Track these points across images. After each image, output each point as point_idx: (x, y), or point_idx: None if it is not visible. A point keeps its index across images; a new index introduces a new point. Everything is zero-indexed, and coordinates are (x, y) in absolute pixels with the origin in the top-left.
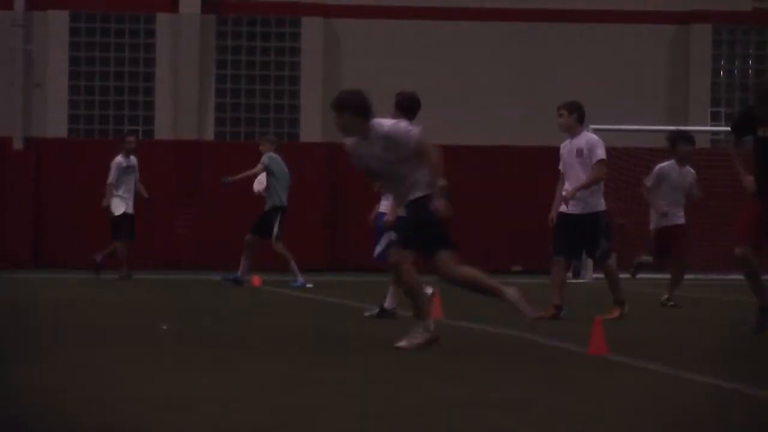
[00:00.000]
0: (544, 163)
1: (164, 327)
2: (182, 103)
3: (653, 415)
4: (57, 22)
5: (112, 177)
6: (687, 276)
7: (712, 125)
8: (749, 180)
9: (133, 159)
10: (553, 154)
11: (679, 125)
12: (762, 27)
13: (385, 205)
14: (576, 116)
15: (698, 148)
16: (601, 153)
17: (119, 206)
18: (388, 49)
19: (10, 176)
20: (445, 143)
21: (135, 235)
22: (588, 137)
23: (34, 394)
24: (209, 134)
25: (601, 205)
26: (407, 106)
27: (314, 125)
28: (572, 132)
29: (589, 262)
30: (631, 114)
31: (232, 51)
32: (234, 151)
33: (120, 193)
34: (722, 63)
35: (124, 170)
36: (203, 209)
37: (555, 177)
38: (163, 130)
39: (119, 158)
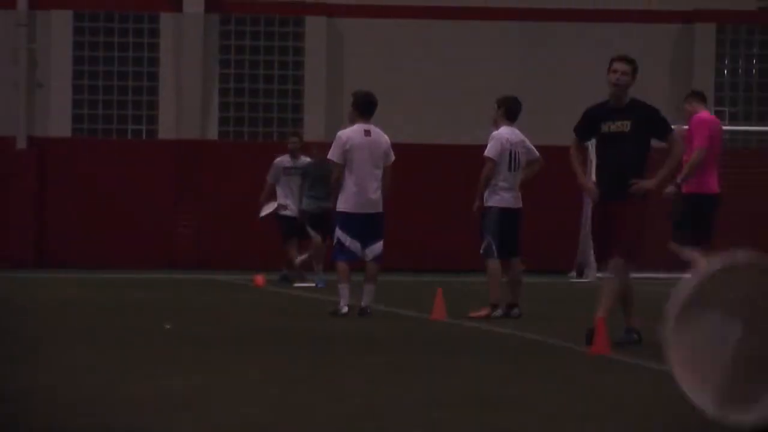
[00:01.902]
0: (548, 161)
1: (167, 327)
2: (186, 103)
3: (655, 414)
4: (60, 21)
5: (270, 176)
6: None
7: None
8: (590, 187)
9: (301, 160)
10: (556, 152)
11: (682, 125)
12: (766, 26)
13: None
14: (502, 111)
15: None
16: (487, 149)
17: (266, 209)
18: (392, 49)
19: (13, 176)
20: (449, 142)
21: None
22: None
23: (33, 394)
24: (213, 134)
25: (493, 200)
26: (362, 106)
27: (318, 125)
28: (497, 126)
29: (592, 262)
30: None
31: (236, 50)
32: (237, 150)
33: (279, 194)
34: (726, 62)
35: (285, 170)
36: (206, 209)
37: (555, 176)
38: (166, 130)
39: (281, 158)
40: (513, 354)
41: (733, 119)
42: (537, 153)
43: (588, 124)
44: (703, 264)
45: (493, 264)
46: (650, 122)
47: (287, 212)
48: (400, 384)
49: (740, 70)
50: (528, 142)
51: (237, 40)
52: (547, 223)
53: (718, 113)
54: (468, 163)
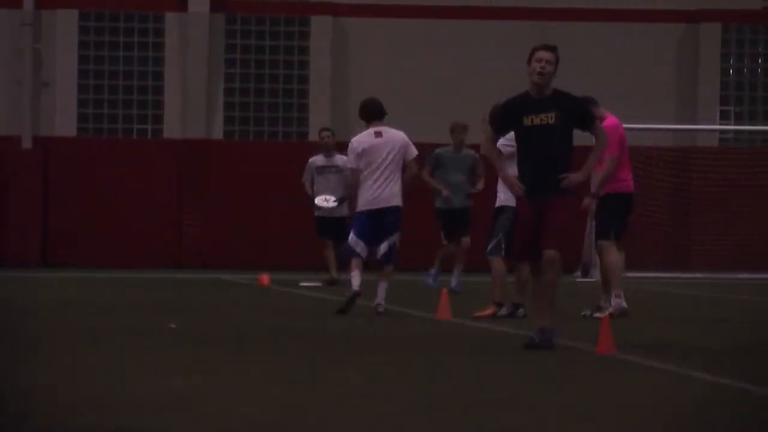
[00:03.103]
0: None
1: (172, 326)
2: (191, 102)
3: (661, 414)
4: (66, 21)
5: (303, 176)
6: (695, 275)
7: (721, 124)
8: (515, 181)
9: (331, 158)
10: None
11: (687, 124)
12: None
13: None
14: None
15: (707, 147)
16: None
17: (317, 207)
18: (397, 48)
19: (19, 175)
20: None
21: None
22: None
23: (35, 394)
24: (218, 133)
25: (510, 200)
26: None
27: (323, 124)
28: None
29: (597, 261)
30: (639, 113)
31: (241, 50)
32: (243, 150)
33: (317, 193)
34: (731, 62)
35: (318, 169)
36: (211, 208)
37: None
38: (171, 129)
39: (315, 157)
40: (517, 354)
41: (738, 118)
42: None
43: (508, 118)
44: (616, 258)
45: (498, 263)
46: (575, 113)
47: (321, 212)
48: (403, 384)
49: (745, 70)
50: None
51: (242, 40)
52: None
53: (723, 113)
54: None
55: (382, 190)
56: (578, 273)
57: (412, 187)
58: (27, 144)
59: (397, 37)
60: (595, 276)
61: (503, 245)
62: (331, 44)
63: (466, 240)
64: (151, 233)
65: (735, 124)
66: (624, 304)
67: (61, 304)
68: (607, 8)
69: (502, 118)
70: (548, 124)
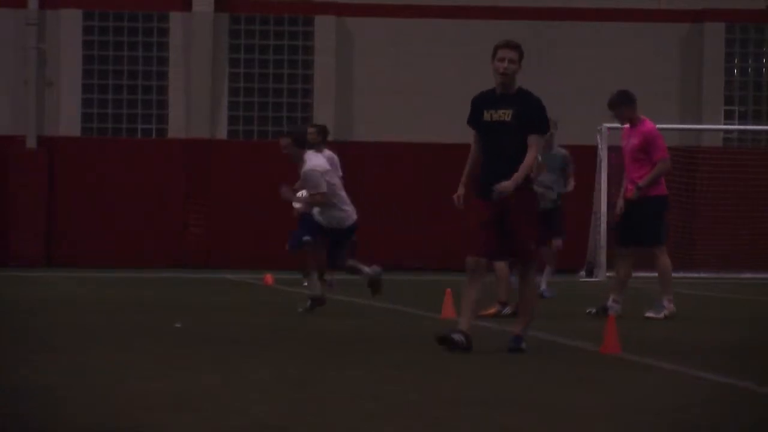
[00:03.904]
0: None
1: (178, 325)
2: (195, 102)
3: (665, 413)
4: (70, 20)
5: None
6: (700, 275)
7: (725, 124)
8: (458, 194)
9: (325, 154)
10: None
11: (691, 124)
12: None
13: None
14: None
15: (711, 147)
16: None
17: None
18: (401, 48)
19: (24, 175)
20: (457, 141)
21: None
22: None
23: (35, 394)
24: (222, 133)
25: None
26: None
27: (327, 124)
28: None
29: (603, 261)
30: (643, 113)
31: (245, 49)
32: (247, 150)
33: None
34: (735, 61)
35: None
36: (215, 208)
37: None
38: (176, 129)
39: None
40: (519, 353)
41: (743, 118)
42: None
43: (473, 111)
44: (669, 263)
45: (501, 263)
46: (530, 115)
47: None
48: (407, 383)
49: (749, 69)
50: None
51: (246, 39)
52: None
53: (727, 112)
54: None
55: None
56: (582, 272)
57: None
58: (31, 144)
59: (400, 36)
60: (600, 276)
61: None
62: (335, 44)
63: (557, 242)
64: (156, 233)
65: (739, 124)
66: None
67: (65, 303)
68: (611, 8)
69: (471, 114)
70: (504, 121)
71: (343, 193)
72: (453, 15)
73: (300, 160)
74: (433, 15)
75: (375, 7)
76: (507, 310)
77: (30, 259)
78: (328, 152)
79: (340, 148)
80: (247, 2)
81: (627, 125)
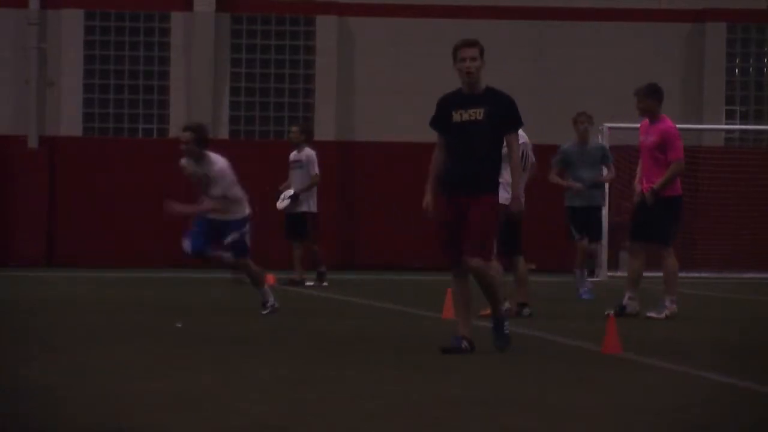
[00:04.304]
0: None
1: (179, 325)
2: (196, 102)
3: (666, 413)
4: (71, 20)
5: (317, 169)
6: (701, 275)
7: (726, 124)
8: (427, 200)
9: (299, 153)
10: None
11: (693, 124)
12: None
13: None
14: None
15: (713, 147)
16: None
17: (280, 203)
18: (403, 48)
19: (25, 175)
20: None
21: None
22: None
23: (36, 394)
24: (224, 133)
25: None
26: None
27: (328, 124)
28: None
29: (604, 260)
30: None
31: (247, 49)
32: (248, 149)
33: (287, 188)
34: (737, 61)
35: (290, 165)
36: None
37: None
38: (177, 129)
39: (292, 152)
40: (523, 353)
41: (744, 118)
42: (534, 159)
43: (441, 114)
44: (675, 264)
45: (494, 263)
46: (503, 113)
47: (289, 209)
48: (408, 383)
49: (751, 69)
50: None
51: (248, 39)
52: (558, 222)
53: (728, 112)
54: None
55: None
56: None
57: None
58: (33, 143)
59: (402, 36)
60: (602, 276)
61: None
62: (336, 44)
63: (593, 246)
64: (157, 232)
65: (741, 124)
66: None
67: (65, 303)
68: (612, 8)
69: (437, 115)
70: (476, 120)
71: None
72: (454, 15)
73: (199, 161)
74: (434, 15)
75: (376, 7)
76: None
77: (31, 259)
78: (308, 150)
79: (344, 149)
80: (248, 2)
81: (646, 120)
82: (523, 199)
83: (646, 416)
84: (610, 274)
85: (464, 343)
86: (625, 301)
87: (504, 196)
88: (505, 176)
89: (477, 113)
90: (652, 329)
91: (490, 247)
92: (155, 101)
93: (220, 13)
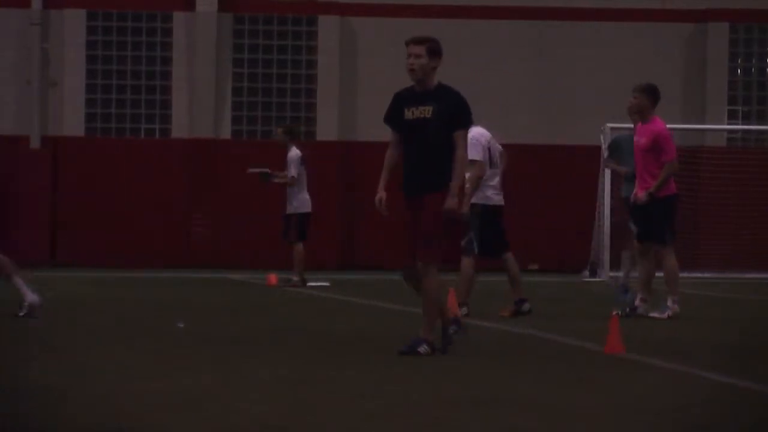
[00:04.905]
0: (558, 161)
1: (180, 325)
2: (199, 102)
3: (668, 413)
4: (74, 20)
5: (294, 171)
6: (703, 275)
7: (729, 124)
8: (379, 197)
9: (289, 154)
10: (569, 151)
11: (695, 124)
12: None
13: None
14: None
15: (714, 147)
16: (471, 152)
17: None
18: (404, 48)
19: (27, 175)
20: None
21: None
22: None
23: (34, 394)
24: (226, 133)
25: (476, 197)
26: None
27: (331, 124)
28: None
29: (606, 260)
30: None
31: (249, 49)
32: (251, 149)
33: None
34: (739, 61)
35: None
36: (219, 208)
37: (569, 175)
38: (179, 129)
39: (297, 150)
40: (523, 353)
41: (746, 118)
42: (501, 147)
43: (394, 111)
44: (675, 263)
45: (469, 262)
46: (451, 111)
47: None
48: (410, 383)
49: (753, 69)
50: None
51: (250, 39)
52: (560, 222)
53: (731, 112)
54: None
55: None
56: (586, 272)
57: None
58: (35, 144)
59: (404, 36)
60: (604, 275)
61: (473, 243)
62: (339, 44)
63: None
64: (160, 232)
65: (743, 124)
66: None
67: (68, 303)
68: (615, 8)
69: (391, 112)
70: (425, 118)
71: None
72: (454, 15)
73: None
74: (434, 15)
75: (378, 7)
76: (465, 310)
77: (34, 259)
78: (293, 151)
79: (346, 148)
80: (250, 2)
81: (640, 123)
82: (465, 199)
83: (646, 416)
84: (612, 274)
85: (424, 348)
86: (637, 302)
87: (484, 195)
88: (488, 177)
89: (426, 111)
90: (653, 329)
91: (437, 246)
92: (157, 101)
93: (223, 13)
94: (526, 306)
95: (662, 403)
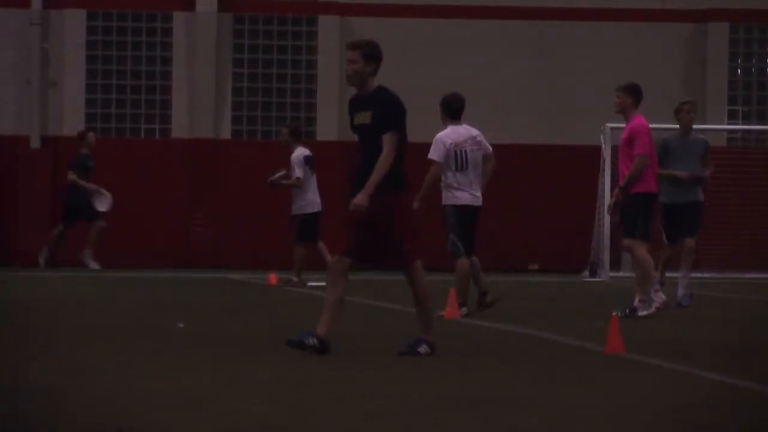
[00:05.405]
0: (558, 161)
1: (180, 325)
2: (199, 102)
3: (666, 413)
4: (74, 20)
5: (299, 172)
6: (703, 275)
7: (729, 124)
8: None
9: (295, 152)
10: (569, 152)
11: (695, 123)
12: None
13: None
14: (443, 110)
15: (714, 147)
16: (430, 152)
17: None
18: (404, 48)
19: (27, 175)
20: None
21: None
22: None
23: (34, 394)
24: (226, 133)
25: (446, 199)
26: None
27: (330, 124)
28: (444, 126)
29: (606, 260)
30: (646, 113)
31: (249, 49)
32: (251, 149)
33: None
34: (739, 61)
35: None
36: (219, 208)
37: (569, 175)
38: (179, 129)
39: (304, 150)
40: (523, 353)
41: (746, 118)
42: (490, 149)
43: (350, 118)
44: (644, 258)
45: (461, 263)
46: (382, 114)
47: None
48: (410, 383)
49: (753, 69)
50: (481, 138)
51: (250, 39)
52: (560, 222)
53: (731, 112)
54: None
55: None
56: (586, 272)
57: None
58: (35, 144)
59: (404, 37)
60: (603, 275)
61: (458, 244)
62: (339, 44)
63: (690, 241)
64: (160, 233)
65: (743, 124)
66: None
67: (68, 303)
68: (615, 8)
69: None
70: (365, 124)
71: None
72: (454, 15)
73: None
74: (434, 15)
75: (377, 7)
76: (464, 311)
77: (34, 259)
78: (298, 150)
79: (346, 148)
80: (250, 2)
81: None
82: (418, 195)
83: (646, 416)
84: (612, 274)
85: (312, 340)
86: (636, 303)
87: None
88: (457, 178)
89: (366, 117)
90: (654, 329)
91: (414, 242)
92: (157, 101)
93: (222, 13)
94: (489, 297)
95: (662, 403)
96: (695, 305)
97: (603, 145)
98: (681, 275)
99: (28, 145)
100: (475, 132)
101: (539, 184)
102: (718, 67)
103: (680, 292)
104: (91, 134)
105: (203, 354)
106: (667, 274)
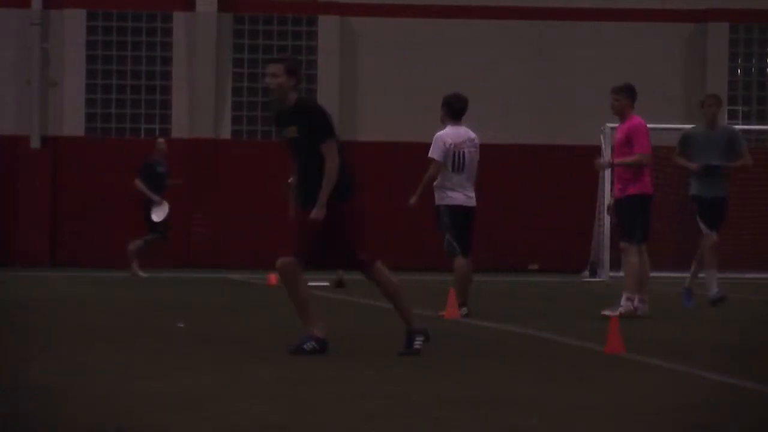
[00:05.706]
0: (558, 161)
1: (180, 325)
2: (199, 102)
3: (666, 413)
4: (74, 20)
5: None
6: (702, 275)
7: (729, 123)
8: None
9: None
10: (569, 152)
11: (695, 123)
12: None
13: None
14: (445, 110)
15: None
16: (430, 150)
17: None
18: (405, 48)
19: (27, 175)
20: None
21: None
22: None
23: (34, 394)
24: (226, 133)
25: (441, 200)
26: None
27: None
28: (444, 125)
29: (606, 260)
30: (647, 113)
31: (249, 49)
32: (251, 149)
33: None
34: (739, 61)
35: None
36: (220, 208)
37: (569, 175)
38: (179, 129)
39: None
40: (523, 353)
41: (746, 118)
42: (478, 156)
43: (279, 131)
44: (635, 262)
45: (459, 263)
46: (311, 125)
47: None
48: (411, 383)
49: (753, 69)
50: (477, 141)
51: (250, 39)
52: (560, 222)
53: (731, 112)
54: (481, 162)
55: None
56: (586, 272)
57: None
58: (35, 144)
59: (404, 37)
60: (603, 275)
61: (454, 243)
62: (339, 44)
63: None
64: None
65: (743, 124)
66: (635, 307)
67: (68, 303)
68: (615, 8)
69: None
70: (294, 138)
71: None
72: (454, 15)
73: None
74: (435, 15)
75: (378, 7)
76: (465, 311)
77: (33, 259)
78: None
79: (346, 148)
80: (250, 2)
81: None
82: (417, 192)
83: (646, 416)
84: (612, 274)
85: (311, 345)
86: (636, 303)
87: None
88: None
89: (293, 131)
90: (653, 329)
91: (369, 244)
92: (157, 101)
93: (222, 13)
94: (464, 310)
95: (662, 403)
96: (695, 305)
97: (603, 145)
98: (709, 273)
99: (28, 145)
100: (473, 135)
101: (539, 184)
102: (718, 67)
103: (712, 290)
104: (161, 140)
105: (203, 354)
106: (674, 275)
